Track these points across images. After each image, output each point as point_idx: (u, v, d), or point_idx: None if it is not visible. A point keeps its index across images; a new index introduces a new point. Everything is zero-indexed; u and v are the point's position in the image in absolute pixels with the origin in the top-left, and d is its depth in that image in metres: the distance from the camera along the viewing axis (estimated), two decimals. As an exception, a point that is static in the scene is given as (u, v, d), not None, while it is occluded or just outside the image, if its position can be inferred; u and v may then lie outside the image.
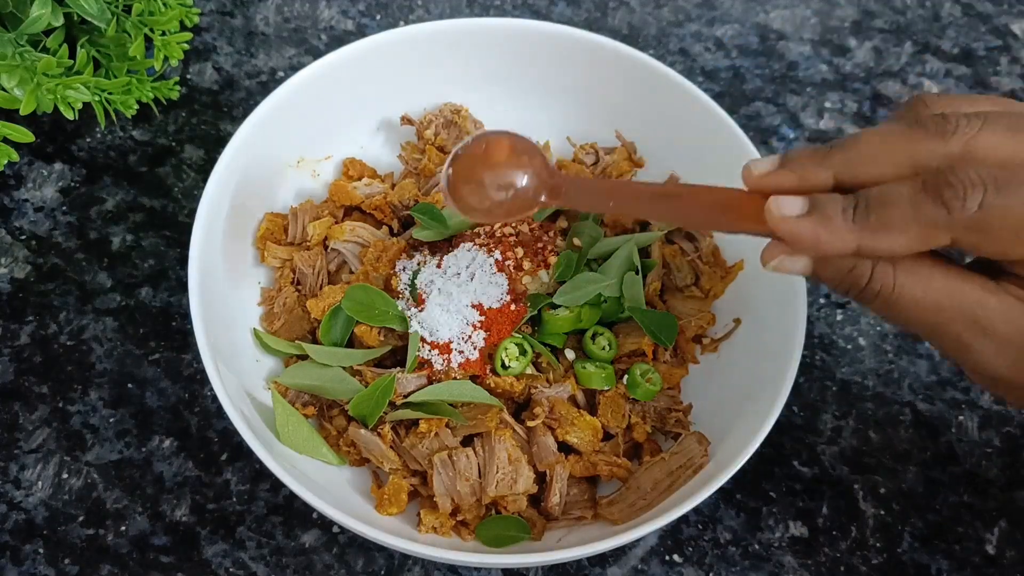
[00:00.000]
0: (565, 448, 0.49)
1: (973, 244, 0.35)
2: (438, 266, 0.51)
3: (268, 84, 0.65)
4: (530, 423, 0.48)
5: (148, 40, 0.57)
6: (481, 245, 0.51)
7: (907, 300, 0.36)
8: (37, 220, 0.59)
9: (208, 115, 0.64)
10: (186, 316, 0.55)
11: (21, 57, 0.51)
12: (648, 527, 0.44)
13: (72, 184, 0.61)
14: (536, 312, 0.50)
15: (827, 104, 0.68)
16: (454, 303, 0.49)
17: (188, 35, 0.59)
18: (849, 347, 0.58)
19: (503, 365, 0.49)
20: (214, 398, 0.53)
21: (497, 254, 0.50)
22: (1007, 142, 0.35)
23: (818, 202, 0.36)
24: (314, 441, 0.48)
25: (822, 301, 0.59)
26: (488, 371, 0.49)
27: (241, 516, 0.51)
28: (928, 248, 0.35)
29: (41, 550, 0.49)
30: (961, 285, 0.36)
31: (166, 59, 0.58)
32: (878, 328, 0.58)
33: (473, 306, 0.49)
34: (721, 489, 0.45)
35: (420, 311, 0.49)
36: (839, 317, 0.59)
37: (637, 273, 0.52)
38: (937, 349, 0.36)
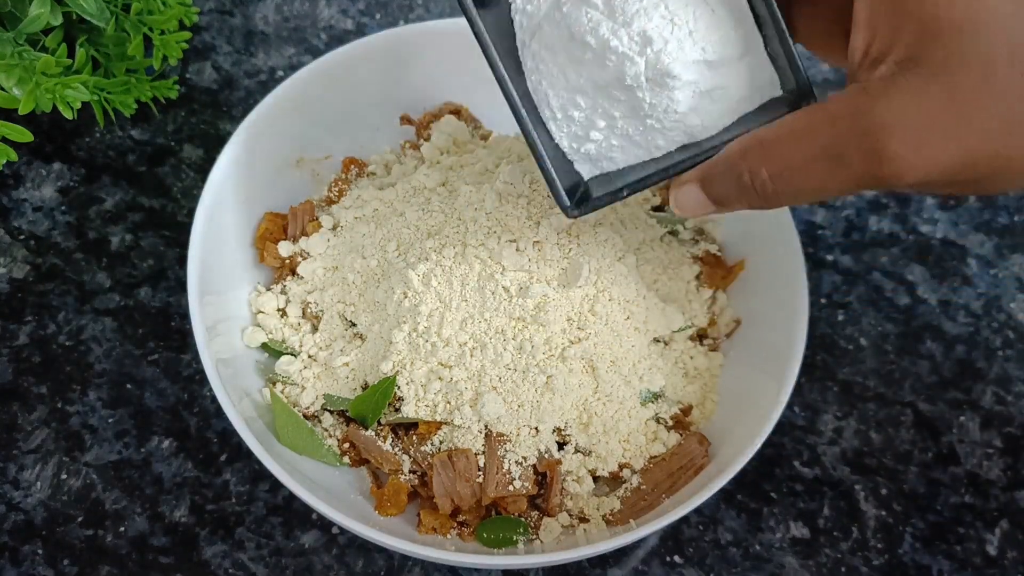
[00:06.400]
0: (565, 449, 0.49)
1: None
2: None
3: (267, 83, 0.65)
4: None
5: (147, 39, 0.57)
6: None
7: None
8: (36, 220, 0.59)
9: (207, 114, 0.64)
10: (185, 316, 0.55)
11: (20, 56, 0.51)
12: (649, 528, 0.44)
13: (71, 184, 0.61)
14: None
15: (828, 103, 0.68)
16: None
17: (187, 34, 0.59)
18: (850, 347, 0.57)
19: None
20: (213, 398, 0.53)
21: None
22: None
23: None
24: (313, 442, 0.48)
25: (823, 301, 0.59)
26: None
27: (240, 517, 0.51)
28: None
29: (40, 551, 0.49)
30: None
31: (165, 58, 0.58)
32: (879, 328, 0.58)
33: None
34: (722, 490, 0.45)
35: None
36: (840, 317, 0.58)
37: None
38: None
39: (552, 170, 0.40)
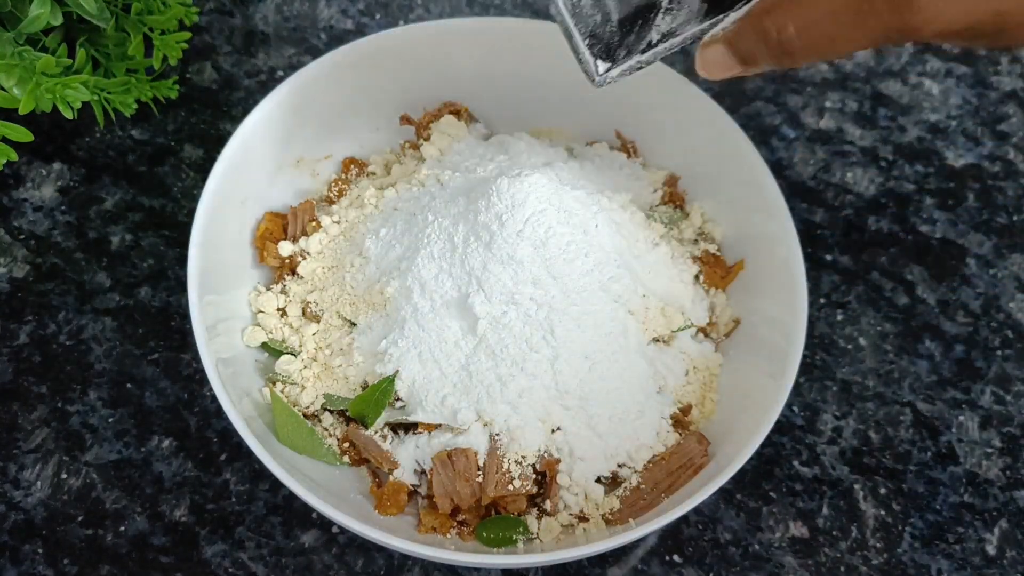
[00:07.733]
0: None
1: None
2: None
3: (267, 83, 0.65)
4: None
5: (147, 39, 0.57)
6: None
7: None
8: (36, 220, 0.59)
9: (207, 114, 0.64)
10: (185, 316, 0.55)
11: (20, 56, 0.51)
12: (648, 527, 0.44)
13: (71, 184, 0.61)
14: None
15: (827, 103, 0.68)
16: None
17: (187, 34, 0.59)
18: (849, 347, 0.58)
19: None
20: (213, 398, 0.53)
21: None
22: None
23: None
24: (313, 441, 0.48)
25: (823, 301, 0.59)
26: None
27: (240, 516, 0.51)
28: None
29: (40, 550, 0.49)
30: None
31: (165, 58, 0.58)
32: (878, 328, 0.58)
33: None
34: (721, 489, 0.45)
35: None
36: (839, 317, 0.58)
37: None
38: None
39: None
